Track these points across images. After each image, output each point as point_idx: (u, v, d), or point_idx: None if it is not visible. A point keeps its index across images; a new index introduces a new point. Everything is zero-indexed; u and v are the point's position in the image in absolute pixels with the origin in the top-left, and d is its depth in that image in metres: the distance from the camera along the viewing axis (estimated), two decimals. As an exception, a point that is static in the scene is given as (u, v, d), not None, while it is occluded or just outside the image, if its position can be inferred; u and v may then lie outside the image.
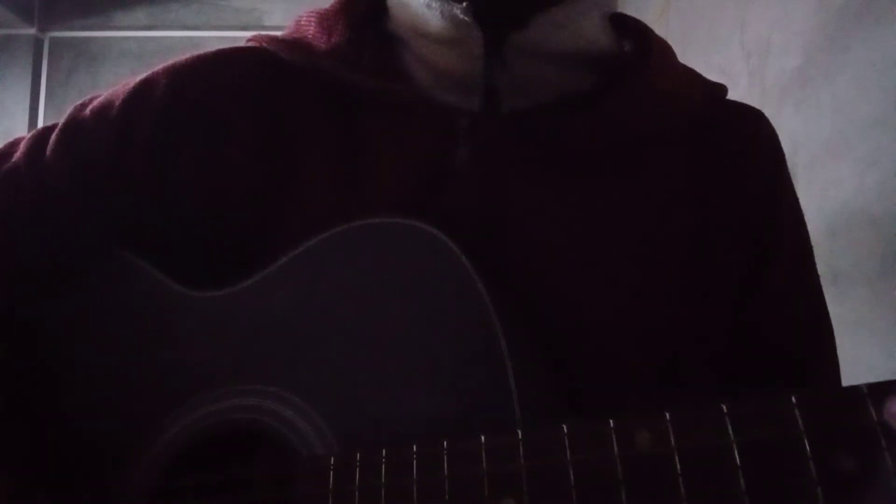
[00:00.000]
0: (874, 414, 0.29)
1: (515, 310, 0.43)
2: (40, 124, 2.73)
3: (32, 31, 2.80)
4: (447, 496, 0.35)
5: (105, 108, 0.53)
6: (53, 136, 0.53)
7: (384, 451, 0.37)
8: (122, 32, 2.86)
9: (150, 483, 0.45)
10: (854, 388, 0.30)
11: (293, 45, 0.53)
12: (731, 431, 0.31)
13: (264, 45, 0.54)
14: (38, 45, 2.82)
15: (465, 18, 0.48)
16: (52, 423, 0.50)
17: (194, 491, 0.44)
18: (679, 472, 0.31)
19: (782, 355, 0.53)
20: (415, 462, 0.36)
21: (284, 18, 2.76)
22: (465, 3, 0.48)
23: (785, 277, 0.53)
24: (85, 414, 0.50)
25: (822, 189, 1.19)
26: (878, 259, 1.07)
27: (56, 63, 2.84)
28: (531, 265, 0.48)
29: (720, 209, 0.51)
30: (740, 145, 0.53)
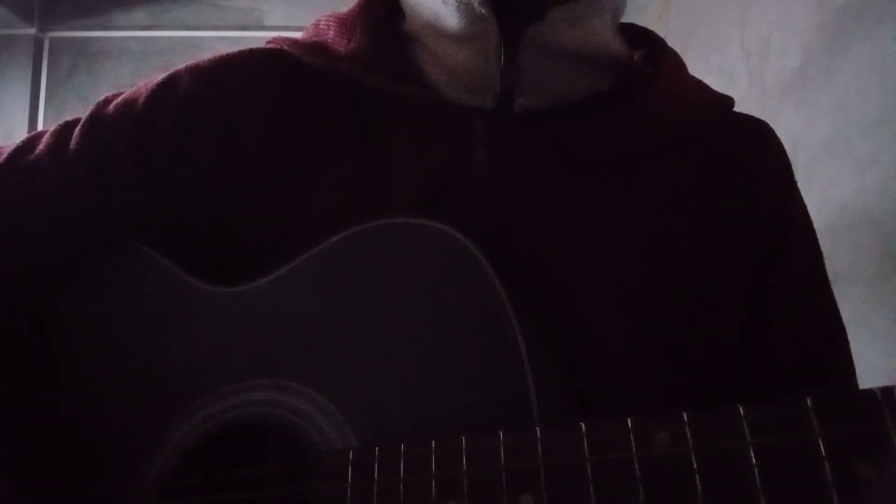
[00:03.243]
0: (889, 417, 0.29)
1: (531, 310, 0.44)
2: (40, 124, 2.74)
3: (32, 31, 2.79)
4: (465, 492, 0.35)
5: (128, 104, 0.54)
6: (77, 130, 0.54)
7: (402, 447, 0.37)
8: (122, 32, 2.86)
9: (167, 477, 0.46)
10: (868, 392, 0.30)
11: (313, 48, 0.54)
12: (747, 433, 0.31)
13: (285, 47, 0.55)
14: (38, 45, 2.81)
15: (482, 11, 0.48)
16: (67, 417, 0.50)
17: (212, 485, 0.44)
18: (696, 472, 0.31)
19: (799, 359, 0.53)
20: (433, 458, 0.36)
21: (284, 18, 2.76)
22: None
23: (798, 282, 0.53)
24: (101, 408, 0.50)
25: (822, 189, 1.19)
26: (878, 259, 1.07)
27: (56, 63, 2.84)
28: (545, 266, 0.48)
29: (730, 217, 0.52)
30: (749, 156, 0.54)
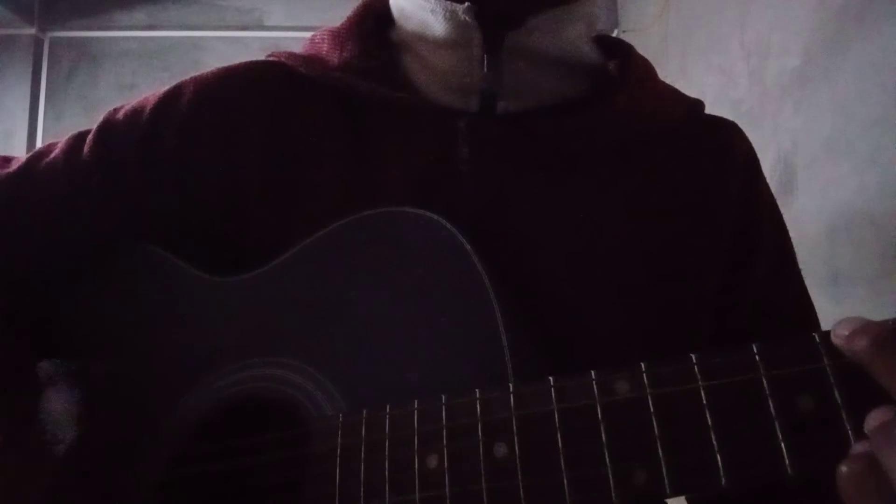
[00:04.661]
0: (825, 357, 0.33)
1: (511, 290, 0.46)
2: (40, 124, 2.73)
3: (32, 31, 2.79)
4: (445, 444, 0.38)
5: (136, 111, 0.58)
6: (89, 137, 0.57)
7: (388, 407, 0.41)
8: (122, 32, 2.86)
9: (176, 448, 0.49)
10: (808, 337, 0.33)
11: (308, 60, 0.58)
12: (699, 378, 0.34)
13: (282, 59, 0.58)
14: (38, 45, 2.81)
15: (467, 19, 0.52)
16: (80, 400, 0.53)
17: (217, 454, 0.48)
18: (653, 414, 0.35)
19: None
20: (415, 416, 0.40)
21: (284, 18, 2.76)
22: (466, 3, 0.52)
23: (768, 274, 0.56)
24: (112, 391, 0.53)
25: (822, 189, 1.19)
26: (878, 259, 1.07)
27: (56, 63, 2.83)
28: (526, 260, 0.51)
29: (703, 210, 0.55)
30: (719, 153, 0.58)
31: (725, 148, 0.58)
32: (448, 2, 0.53)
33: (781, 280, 0.58)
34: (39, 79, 2.80)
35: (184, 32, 2.85)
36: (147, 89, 0.60)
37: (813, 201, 1.21)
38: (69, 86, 2.81)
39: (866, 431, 0.31)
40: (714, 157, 0.57)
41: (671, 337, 0.52)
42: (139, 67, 2.82)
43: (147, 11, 2.86)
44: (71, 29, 2.86)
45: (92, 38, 2.86)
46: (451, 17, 0.53)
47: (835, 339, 0.32)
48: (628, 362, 0.50)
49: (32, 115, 2.76)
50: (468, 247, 0.44)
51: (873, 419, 0.31)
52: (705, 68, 1.70)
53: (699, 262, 0.54)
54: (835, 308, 1.08)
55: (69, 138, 0.58)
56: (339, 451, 0.41)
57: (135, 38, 2.86)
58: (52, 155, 0.57)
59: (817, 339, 0.33)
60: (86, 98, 2.75)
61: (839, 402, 0.32)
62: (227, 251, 0.54)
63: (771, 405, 0.33)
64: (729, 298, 0.55)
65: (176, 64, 2.76)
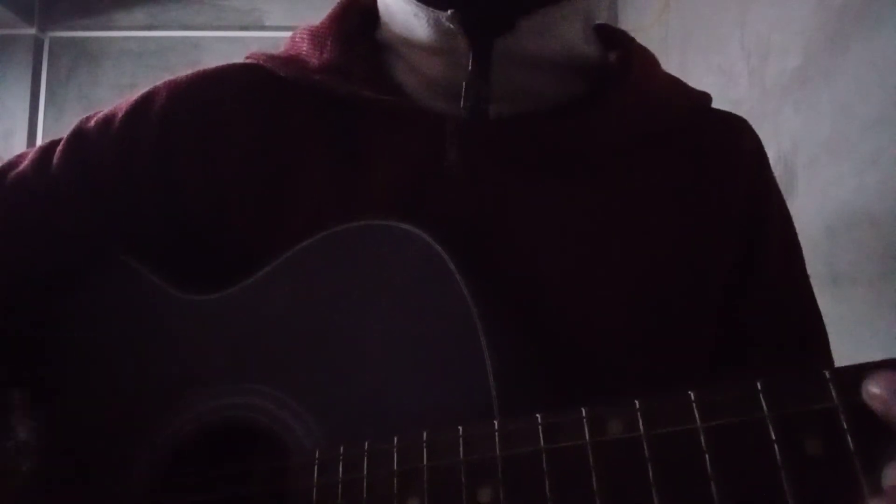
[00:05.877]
0: (837, 396, 0.30)
1: (504, 309, 0.44)
2: (40, 124, 2.74)
3: (32, 31, 2.79)
4: (426, 487, 0.36)
5: (108, 119, 0.55)
6: (59, 147, 0.55)
7: (366, 444, 0.39)
8: (122, 32, 2.86)
9: (149, 479, 0.46)
10: (818, 373, 0.31)
11: (287, 61, 0.55)
12: (697, 418, 0.32)
13: (260, 62, 0.56)
14: (38, 45, 2.81)
15: (450, 26, 0.49)
16: (52, 423, 0.51)
17: (190, 487, 0.45)
18: (647, 457, 0.32)
19: (772, 351, 0.53)
20: (395, 454, 0.37)
21: (284, 18, 2.76)
22: (449, 11, 0.49)
23: (772, 276, 0.54)
24: (84, 414, 0.51)
25: (822, 189, 1.19)
26: (878, 259, 1.07)
27: (56, 63, 2.84)
28: (518, 265, 0.49)
29: (707, 210, 0.53)
30: (725, 150, 0.55)
31: (732, 147, 0.56)
32: (430, 8, 0.50)
33: (787, 284, 0.56)
34: (39, 79, 2.80)
35: (184, 32, 2.85)
36: (147, 89, 0.59)
37: (813, 201, 1.21)
38: (69, 86, 2.81)
39: (884, 488, 0.28)
40: (720, 157, 0.55)
41: (675, 340, 0.50)
42: (139, 67, 2.82)
43: (147, 11, 2.86)
44: (71, 29, 2.86)
45: (92, 38, 2.87)
46: (435, 23, 0.50)
47: (868, 400, 0.29)
48: (631, 367, 0.48)
49: (32, 115, 2.76)
50: (452, 266, 0.42)
51: (893, 475, 0.28)
52: (705, 68, 1.70)
53: (703, 264, 0.52)
54: (835, 308, 1.08)
55: (38, 148, 0.56)
56: (314, 490, 0.39)
57: (135, 38, 2.86)
58: (22, 166, 0.55)
59: (827, 376, 0.30)
60: (86, 98, 2.75)
61: (851, 447, 0.29)
62: (213, 260, 0.52)
63: (776, 449, 0.30)
64: (733, 300, 0.53)
65: (176, 64, 2.76)
